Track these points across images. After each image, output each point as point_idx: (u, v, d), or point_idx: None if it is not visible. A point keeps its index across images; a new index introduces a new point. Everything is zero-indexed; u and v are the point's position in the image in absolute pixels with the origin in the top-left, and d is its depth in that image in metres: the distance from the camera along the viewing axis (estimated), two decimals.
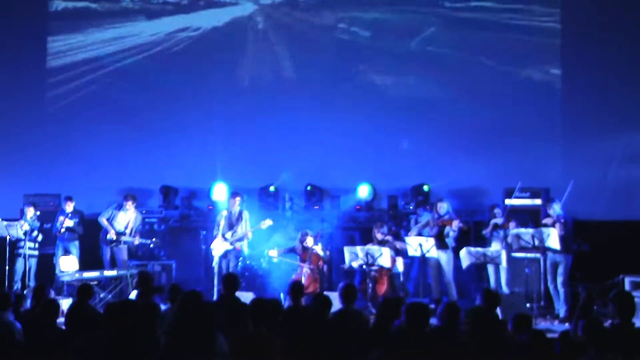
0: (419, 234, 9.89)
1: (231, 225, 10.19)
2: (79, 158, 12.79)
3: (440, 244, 9.75)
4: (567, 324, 8.25)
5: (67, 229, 10.90)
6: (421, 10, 12.37)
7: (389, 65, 12.40)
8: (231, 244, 10.12)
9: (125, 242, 10.67)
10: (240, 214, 10.26)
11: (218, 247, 10.16)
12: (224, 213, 10.25)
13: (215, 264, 10.10)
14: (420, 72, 12.26)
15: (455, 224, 9.68)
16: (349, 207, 11.83)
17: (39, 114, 12.92)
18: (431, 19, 12.32)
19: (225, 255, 10.16)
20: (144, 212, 11.51)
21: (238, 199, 10.32)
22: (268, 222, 10.19)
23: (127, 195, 10.87)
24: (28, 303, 7.01)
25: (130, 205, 10.74)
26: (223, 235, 10.14)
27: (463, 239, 10.09)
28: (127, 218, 10.75)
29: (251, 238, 10.31)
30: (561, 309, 9.23)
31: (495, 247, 9.69)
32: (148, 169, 12.38)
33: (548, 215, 9.50)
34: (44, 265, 11.03)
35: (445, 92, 12.10)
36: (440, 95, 12.11)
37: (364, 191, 11.77)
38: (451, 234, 9.78)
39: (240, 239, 10.18)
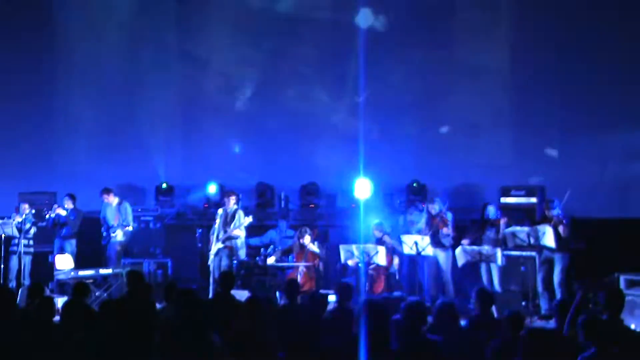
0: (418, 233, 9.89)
1: (225, 225, 10.13)
2: (75, 156, 12.80)
3: (437, 242, 9.78)
4: (551, 321, 8.28)
5: (62, 223, 10.88)
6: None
7: (385, 65, 12.37)
8: (222, 242, 10.06)
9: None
10: (234, 212, 10.19)
11: (213, 247, 10.13)
12: (220, 212, 10.23)
13: (210, 262, 10.09)
14: (415, 69, 12.24)
15: (445, 230, 9.72)
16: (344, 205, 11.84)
17: (37, 111, 12.93)
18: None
19: (217, 253, 10.11)
20: (139, 210, 11.53)
21: (233, 197, 10.26)
22: (248, 220, 10.12)
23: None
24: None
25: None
26: (217, 235, 10.09)
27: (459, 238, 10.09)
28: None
29: (243, 236, 10.26)
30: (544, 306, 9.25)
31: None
32: (144, 167, 12.38)
33: (546, 214, 9.51)
34: (39, 263, 11.01)
35: (441, 88, 12.09)
36: (436, 91, 12.10)
37: (362, 187, 11.72)
38: (444, 233, 9.77)
39: (234, 237, 10.12)
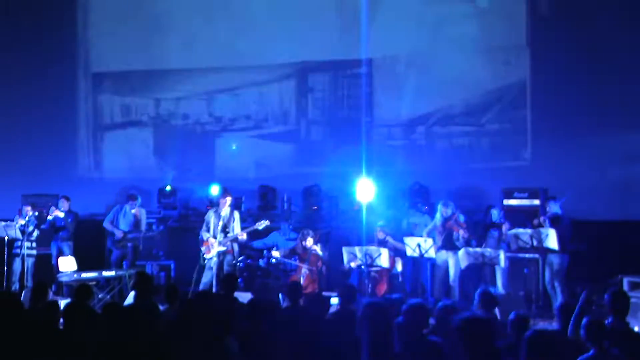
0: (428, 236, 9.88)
1: (223, 227, 9.97)
2: (78, 158, 12.83)
3: (450, 245, 9.76)
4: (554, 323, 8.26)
5: (60, 226, 10.90)
6: None
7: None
8: (223, 245, 9.95)
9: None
10: (231, 214, 10.04)
11: (211, 249, 9.96)
12: (222, 214, 10.15)
13: (213, 264, 10.02)
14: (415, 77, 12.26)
15: (462, 233, 9.69)
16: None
17: (40, 113, 12.94)
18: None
19: (217, 256, 9.99)
20: None
21: (229, 198, 10.10)
22: (264, 223, 10.10)
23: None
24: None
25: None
26: (215, 237, 9.93)
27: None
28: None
29: (245, 238, 10.18)
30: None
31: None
32: (146, 170, 12.39)
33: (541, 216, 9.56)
34: (41, 266, 11.03)
35: (441, 89, 12.09)
36: (436, 94, 12.11)
37: (365, 189, 11.68)
38: (461, 237, 9.76)
39: (234, 240, 10.03)
